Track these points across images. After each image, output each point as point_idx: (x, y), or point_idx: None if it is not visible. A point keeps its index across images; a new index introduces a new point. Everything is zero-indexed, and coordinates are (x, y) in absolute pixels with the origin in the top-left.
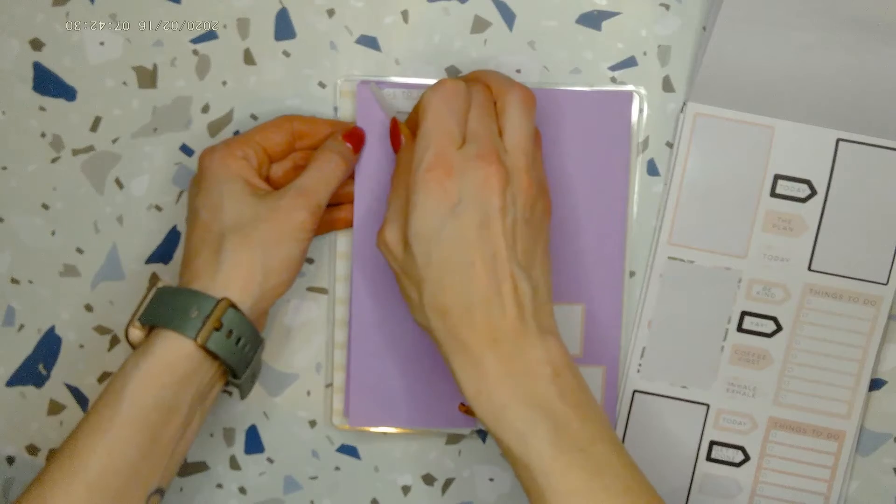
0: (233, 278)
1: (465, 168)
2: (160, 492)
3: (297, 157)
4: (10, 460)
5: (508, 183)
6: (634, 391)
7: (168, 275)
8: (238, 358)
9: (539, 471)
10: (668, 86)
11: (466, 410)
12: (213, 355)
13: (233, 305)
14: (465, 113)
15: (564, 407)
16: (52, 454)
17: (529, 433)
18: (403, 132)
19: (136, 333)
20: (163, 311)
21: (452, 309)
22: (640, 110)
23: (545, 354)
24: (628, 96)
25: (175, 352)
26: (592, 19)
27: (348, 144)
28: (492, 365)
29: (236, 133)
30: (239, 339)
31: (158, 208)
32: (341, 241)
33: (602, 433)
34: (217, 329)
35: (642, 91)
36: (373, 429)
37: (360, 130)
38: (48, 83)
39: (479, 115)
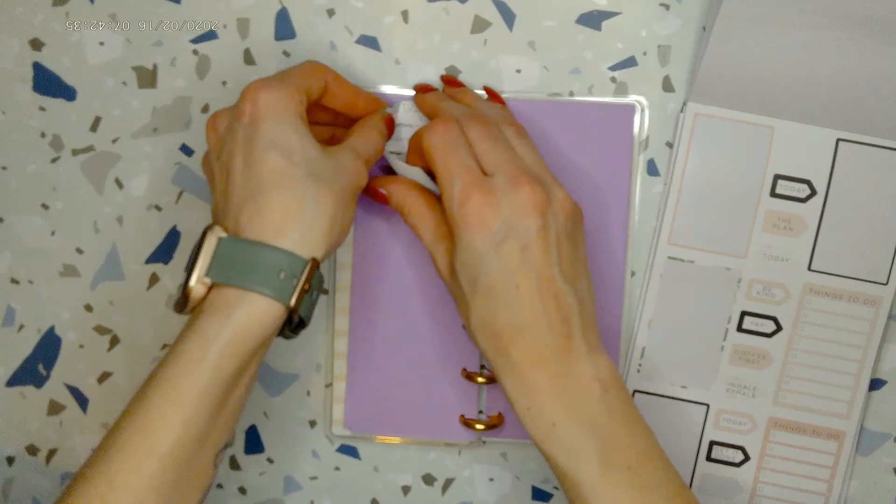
0: (316, 231)
1: (501, 196)
2: (227, 446)
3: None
4: (10, 460)
5: (548, 201)
6: (634, 391)
7: (168, 275)
8: (311, 311)
9: (587, 488)
10: (668, 86)
11: (466, 422)
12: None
13: (318, 265)
14: (469, 145)
15: (613, 424)
16: (117, 424)
17: (578, 450)
18: (380, 184)
19: (201, 289)
20: (243, 269)
21: (501, 332)
22: (642, 120)
23: (594, 371)
24: (631, 109)
25: (264, 317)
26: (592, 19)
27: (385, 129)
28: (541, 383)
29: None
30: (314, 293)
31: (158, 208)
32: (342, 252)
33: (650, 451)
34: (305, 291)
35: (644, 101)
36: (374, 438)
37: (391, 120)
38: (48, 83)
39: (490, 147)
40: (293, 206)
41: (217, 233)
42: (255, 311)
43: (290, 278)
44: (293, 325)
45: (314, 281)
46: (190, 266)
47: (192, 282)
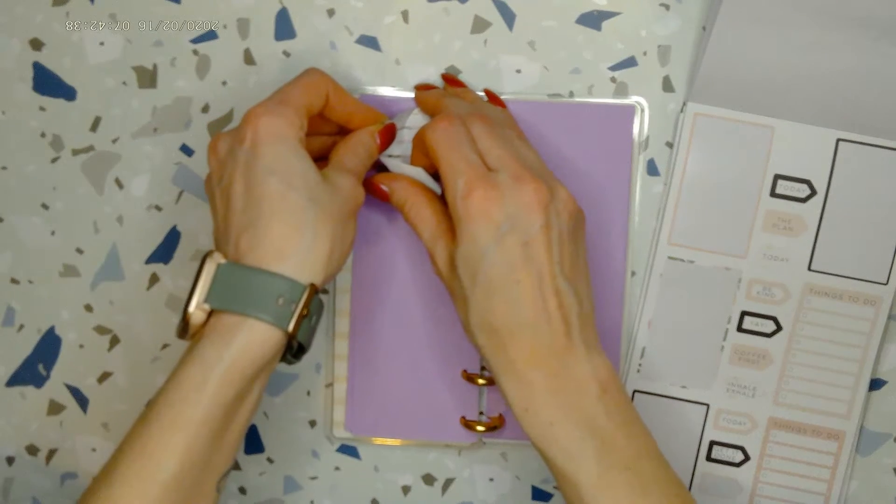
0: (316, 257)
1: (505, 192)
2: (228, 472)
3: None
4: (10, 460)
5: (552, 199)
6: (634, 391)
7: (168, 275)
8: (311, 336)
9: (585, 489)
10: (668, 86)
11: (467, 424)
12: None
13: (317, 291)
14: (472, 141)
15: (611, 424)
16: (119, 449)
17: (576, 451)
18: (381, 181)
19: (200, 316)
20: (242, 296)
21: (500, 329)
22: (642, 121)
23: (592, 371)
24: (631, 109)
25: (263, 343)
26: (592, 19)
27: (378, 141)
28: (539, 382)
29: None
30: (313, 319)
31: (158, 208)
32: None
33: (648, 450)
34: (304, 316)
35: (643, 102)
36: (375, 440)
37: (393, 128)
38: (48, 83)
39: (494, 144)
40: (292, 232)
41: (216, 259)
42: (255, 337)
43: (288, 304)
44: (293, 350)
45: (313, 306)
46: (190, 292)
47: (192, 308)
